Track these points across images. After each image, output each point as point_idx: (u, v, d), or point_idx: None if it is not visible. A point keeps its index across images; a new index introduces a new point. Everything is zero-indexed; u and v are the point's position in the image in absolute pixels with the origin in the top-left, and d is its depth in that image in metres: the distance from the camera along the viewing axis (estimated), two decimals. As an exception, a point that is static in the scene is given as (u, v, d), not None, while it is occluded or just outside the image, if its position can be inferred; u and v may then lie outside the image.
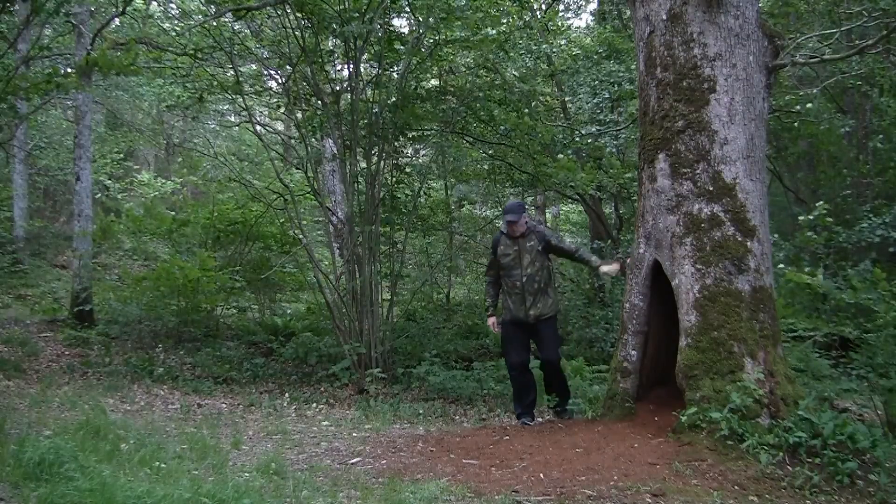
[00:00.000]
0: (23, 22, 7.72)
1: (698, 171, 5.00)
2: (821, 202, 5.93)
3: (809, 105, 9.29)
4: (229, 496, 3.62)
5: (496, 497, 3.96)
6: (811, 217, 6.48)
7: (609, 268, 5.83)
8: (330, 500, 3.96)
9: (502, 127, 9.58)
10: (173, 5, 11.64)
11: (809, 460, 4.25)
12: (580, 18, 16.22)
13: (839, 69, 9.46)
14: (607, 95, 11.43)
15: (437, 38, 8.49)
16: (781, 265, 6.69)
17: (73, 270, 10.92)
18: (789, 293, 8.05)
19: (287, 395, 7.66)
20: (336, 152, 8.78)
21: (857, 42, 7.80)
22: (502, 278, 5.95)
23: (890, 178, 10.87)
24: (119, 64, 6.22)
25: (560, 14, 14.75)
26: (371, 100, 8.55)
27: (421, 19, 8.20)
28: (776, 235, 7.26)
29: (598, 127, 11.62)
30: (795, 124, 10.11)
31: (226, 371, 8.57)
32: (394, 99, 8.31)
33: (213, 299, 10.13)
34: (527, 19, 10.33)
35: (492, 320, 6.20)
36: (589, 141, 11.19)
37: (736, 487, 4.03)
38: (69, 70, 10.68)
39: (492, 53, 9.01)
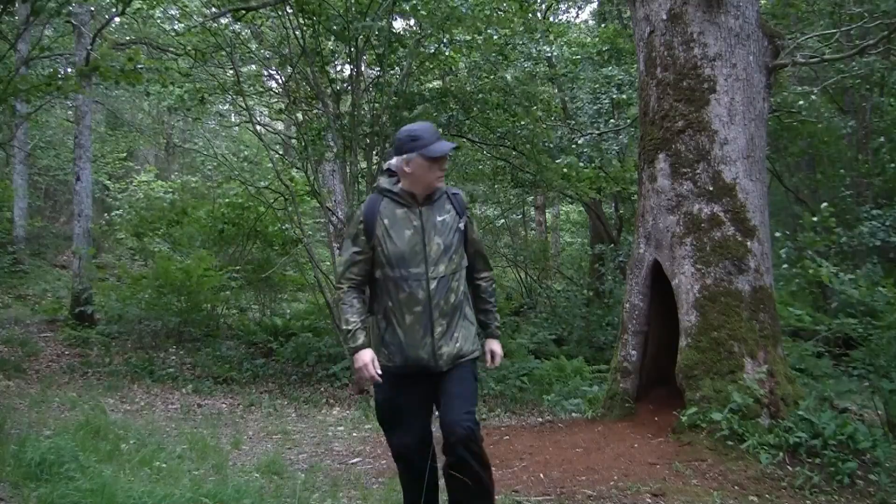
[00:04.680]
0: (23, 22, 7.72)
1: (698, 171, 5.00)
2: (825, 204, 5.91)
3: (801, 102, 9.29)
4: (230, 496, 3.62)
5: (496, 497, 3.95)
6: (815, 219, 6.46)
7: (497, 349, 3.26)
8: (330, 500, 3.97)
9: (500, 130, 9.59)
10: (173, 6, 11.64)
11: (809, 460, 4.25)
12: (581, 12, 16.11)
13: (839, 69, 9.46)
14: (607, 101, 11.44)
15: (440, 38, 8.49)
16: (785, 266, 6.68)
17: (74, 270, 10.92)
18: (790, 295, 8.05)
19: (290, 396, 7.67)
20: (336, 152, 8.78)
21: (857, 42, 7.80)
22: (381, 286, 3.09)
23: (889, 178, 10.86)
24: (120, 74, 6.21)
25: (561, 11, 14.76)
26: (373, 101, 8.56)
27: (423, 23, 8.19)
28: (786, 230, 7.24)
29: (598, 130, 11.63)
30: (795, 124, 10.10)
31: (226, 371, 8.57)
32: (395, 100, 8.31)
33: (214, 299, 10.14)
34: (528, 18, 10.34)
35: (367, 357, 3.00)
36: (588, 147, 11.20)
37: (736, 487, 4.03)
38: (69, 71, 10.69)
39: (492, 56, 9.01)
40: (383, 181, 3.14)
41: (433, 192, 3.09)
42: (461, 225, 3.12)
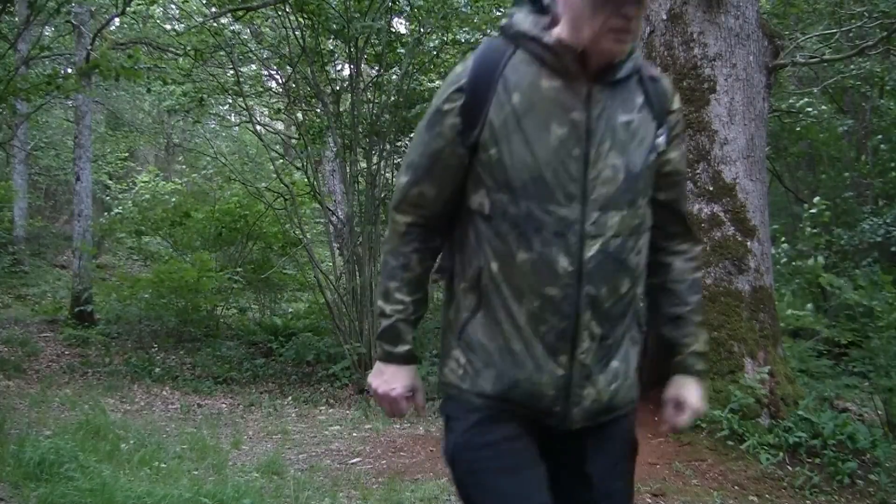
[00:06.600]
0: (23, 22, 7.73)
1: (698, 171, 5.01)
2: (817, 198, 5.93)
3: (802, 102, 9.32)
4: (229, 496, 3.61)
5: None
6: (812, 212, 6.47)
7: (691, 398, 1.83)
8: (330, 500, 3.97)
9: None
10: (173, 6, 11.66)
11: (809, 460, 4.25)
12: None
13: (839, 69, 9.47)
14: None
15: (440, 38, 8.49)
16: (784, 261, 6.69)
17: (74, 270, 10.93)
18: (791, 295, 8.05)
19: (290, 396, 7.67)
20: (336, 152, 8.78)
21: (857, 42, 7.81)
22: (482, 228, 1.46)
23: (890, 179, 10.87)
24: (121, 69, 6.22)
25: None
26: (372, 100, 8.56)
27: (421, 20, 8.20)
28: (786, 230, 7.27)
29: None
30: (798, 128, 10.12)
31: (226, 371, 8.57)
32: (395, 99, 8.30)
33: (213, 300, 10.14)
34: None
35: (400, 384, 1.62)
36: None
37: (736, 487, 4.03)
38: (69, 70, 10.71)
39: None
40: (520, 18, 1.47)
41: (616, 64, 1.43)
42: (661, 140, 1.52)
